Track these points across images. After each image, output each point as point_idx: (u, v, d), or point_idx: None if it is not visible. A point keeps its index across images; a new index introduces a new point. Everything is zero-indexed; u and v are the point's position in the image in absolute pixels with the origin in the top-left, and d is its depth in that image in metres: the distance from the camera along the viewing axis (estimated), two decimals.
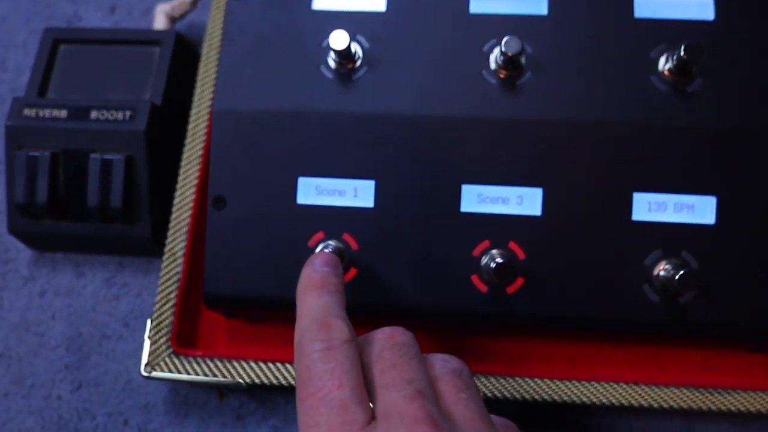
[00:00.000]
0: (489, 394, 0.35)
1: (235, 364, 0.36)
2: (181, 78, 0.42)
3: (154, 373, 0.36)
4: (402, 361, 0.26)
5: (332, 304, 0.27)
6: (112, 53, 0.42)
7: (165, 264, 0.38)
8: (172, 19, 0.45)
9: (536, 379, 0.35)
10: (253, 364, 0.36)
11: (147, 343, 0.36)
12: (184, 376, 0.35)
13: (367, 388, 0.25)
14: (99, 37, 0.42)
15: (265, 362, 0.36)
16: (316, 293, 0.28)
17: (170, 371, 0.35)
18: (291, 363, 0.35)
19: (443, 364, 0.27)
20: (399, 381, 0.25)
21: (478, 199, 0.34)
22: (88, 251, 0.42)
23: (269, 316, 0.37)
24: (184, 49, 0.43)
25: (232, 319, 0.38)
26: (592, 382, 0.35)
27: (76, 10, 0.49)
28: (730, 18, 0.35)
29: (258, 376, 0.35)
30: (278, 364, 0.36)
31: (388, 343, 0.27)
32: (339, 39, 0.34)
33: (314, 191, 0.34)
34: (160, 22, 0.44)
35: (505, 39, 0.33)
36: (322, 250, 0.33)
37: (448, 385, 0.26)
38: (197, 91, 0.41)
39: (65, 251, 0.43)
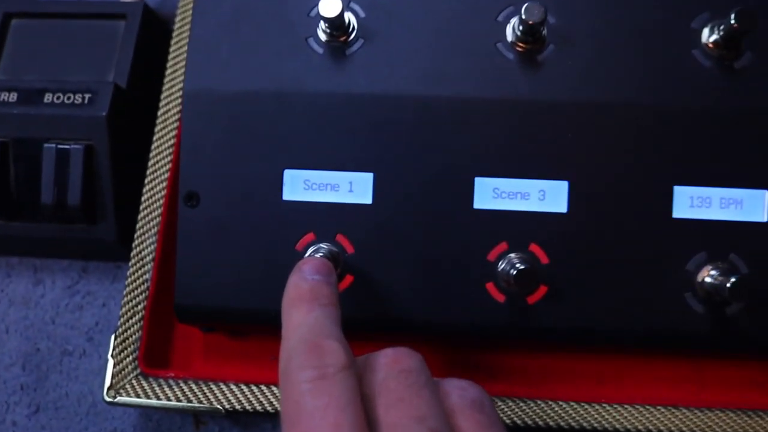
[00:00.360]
0: (507, 420, 0.30)
1: (213, 386, 0.31)
2: (149, 56, 0.38)
3: (118, 398, 0.31)
4: (411, 393, 0.21)
5: (325, 321, 0.23)
6: (70, 28, 0.37)
7: (131, 271, 0.33)
8: None
9: (560, 402, 0.31)
10: (233, 387, 0.31)
11: (110, 363, 0.31)
12: (153, 402, 0.31)
13: (368, 426, 0.21)
14: (56, 11, 0.38)
15: (248, 384, 0.31)
16: (305, 307, 0.24)
17: (137, 396, 0.31)
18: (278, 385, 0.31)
19: (461, 393, 0.23)
20: (408, 419, 0.21)
21: (494, 194, 0.30)
22: (46, 255, 0.37)
23: (252, 330, 0.33)
24: (153, 24, 0.39)
25: (210, 334, 0.33)
26: (624, 405, 0.31)
27: None
28: None
29: (240, 401, 0.31)
30: (263, 387, 0.31)
31: (393, 369, 0.22)
32: (331, 6, 0.29)
33: (303, 186, 0.30)
34: None
35: (526, 5, 0.28)
36: (312, 255, 0.29)
37: (468, 422, 0.22)
38: (168, 71, 0.36)
39: (20, 255, 0.38)
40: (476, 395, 0.23)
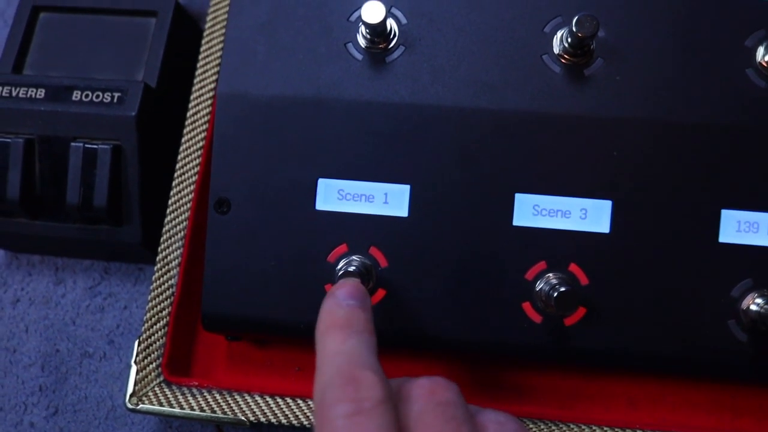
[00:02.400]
0: None
1: (237, 397, 0.30)
2: (180, 55, 0.37)
3: (141, 406, 0.30)
4: (449, 429, 0.20)
5: (361, 349, 0.22)
6: (100, 24, 0.36)
7: (157, 275, 0.32)
8: None
9: (593, 427, 0.30)
10: (258, 399, 0.30)
11: (133, 369, 0.31)
12: (176, 410, 0.30)
13: None
14: (85, 5, 0.37)
15: (273, 396, 0.30)
16: (339, 335, 0.23)
17: (160, 404, 0.30)
18: (307, 397, 0.30)
19: (498, 429, 0.22)
20: None
21: (534, 211, 0.29)
22: (68, 255, 0.37)
23: (279, 341, 0.32)
24: (184, 22, 0.38)
25: (234, 342, 0.32)
26: (658, 431, 0.30)
27: None
28: None
29: (264, 413, 0.30)
30: (289, 399, 0.30)
31: (431, 401, 0.22)
32: (374, 11, 0.28)
33: (337, 196, 0.29)
34: None
35: (577, 17, 0.27)
36: (344, 267, 0.28)
37: None
38: (198, 71, 0.35)
39: (42, 254, 0.37)
40: (515, 429, 0.22)
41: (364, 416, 0.20)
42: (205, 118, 0.34)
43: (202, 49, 0.36)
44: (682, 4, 0.29)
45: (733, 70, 0.29)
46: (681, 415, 0.31)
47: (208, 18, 0.36)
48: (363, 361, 0.22)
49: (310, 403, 0.30)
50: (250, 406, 0.30)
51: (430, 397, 0.22)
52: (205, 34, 0.36)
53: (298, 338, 0.30)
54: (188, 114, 0.35)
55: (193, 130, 0.34)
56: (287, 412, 0.30)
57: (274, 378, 0.32)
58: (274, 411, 0.30)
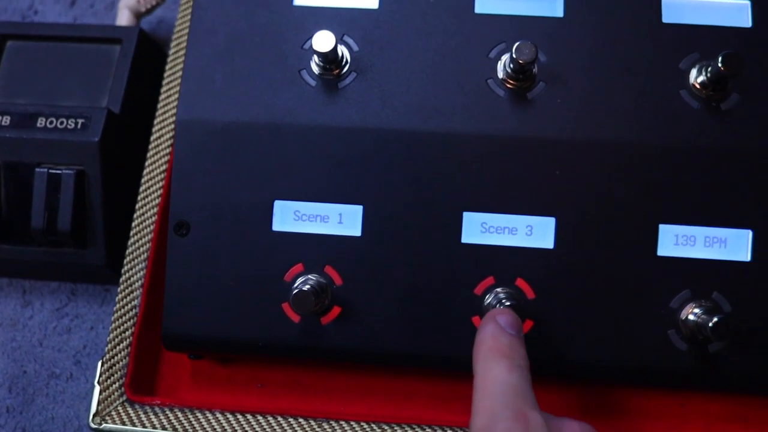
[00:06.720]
0: None
1: (198, 414, 0.31)
2: (144, 82, 0.38)
3: (104, 425, 0.31)
4: None
5: (526, 387, 0.24)
6: (65, 52, 0.37)
7: (120, 296, 0.33)
8: (138, 15, 0.40)
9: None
10: (219, 416, 0.31)
11: (96, 390, 0.31)
12: (138, 429, 0.31)
13: None
14: (51, 33, 0.38)
15: (234, 413, 0.31)
16: (505, 364, 0.24)
17: (122, 423, 0.31)
18: (271, 414, 0.31)
19: None
20: None
21: (482, 228, 0.30)
22: (35, 277, 0.37)
23: (240, 359, 0.33)
24: (149, 49, 0.39)
25: (198, 360, 0.33)
26: None
27: (32, 3, 0.44)
28: None
29: (225, 430, 0.31)
30: (249, 416, 0.31)
31: None
32: (324, 41, 0.29)
33: (293, 217, 0.30)
34: (123, 18, 0.40)
35: (517, 44, 0.28)
36: (300, 286, 0.29)
37: None
38: (162, 96, 0.36)
39: (9, 276, 0.38)
40: None
41: None
42: (168, 143, 0.35)
43: (165, 75, 0.37)
44: (619, 28, 0.31)
45: (668, 92, 0.30)
46: (630, 422, 0.32)
47: (172, 44, 0.37)
48: (530, 402, 0.23)
49: (270, 419, 0.31)
50: (211, 423, 0.31)
51: None
52: (168, 60, 0.37)
53: (256, 356, 0.31)
54: (152, 138, 0.36)
55: (156, 154, 0.35)
56: (247, 429, 0.31)
57: (237, 395, 0.33)
58: (234, 428, 0.31)
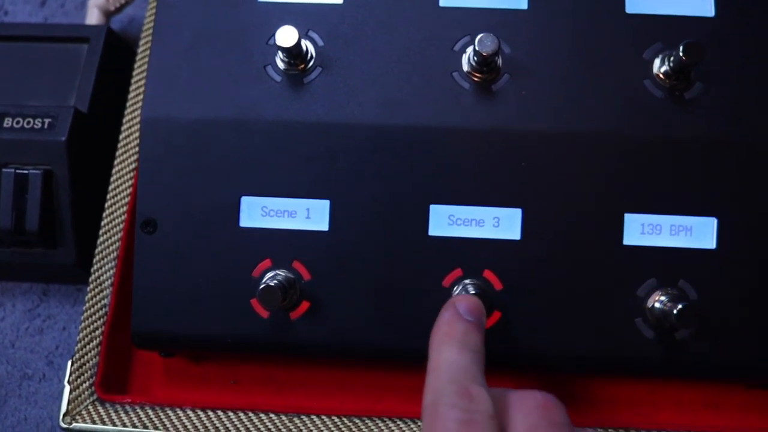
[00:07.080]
0: None
1: (170, 412, 0.31)
2: (112, 81, 0.38)
3: (74, 424, 0.31)
4: None
5: (475, 367, 0.24)
6: (32, 51, 0.37)
7: (90, 296, 0.33)
8: (108, 13, 0.40)
9: None
10: (190, 413, 0.31)
11: (67, 389, 0.31)
12: (109, 428, 0.31)
13: None
14: (18, 33, 0.38)
15: (205, 410, 0.31)
16: (456, 347, 0.25)
17: (93, 422, 0.31)
18: (243, 410, 0.31)
19: None
20: None
21: (449, 221, 0.30)
22: (5, 278, 0.37)
23: (210, 355, 0.33)
24: (117, 48, 0.38)
25: (170, 358, 0.33)
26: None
27: (2, 3, 0.44)
28: (732, 15, 0.31)
29: (196, 428, 0.31)
30: (220, 412, 0.31)
31: (544, 418, 0.23)
32: (287, 36, 0.29)
33: (260, 213, 0.30)
34: (93, 17, 0.39)
35: (479, 36, 0.29)
36: (268, 281, 0.29)
37: None
38: (131, 95, 0.36)
39: None
40: None
41: (475, 426, 0.22)
42: (137, 141, 0.35)
43: (134, 74, 0.36)
44: (583, 19, 0.31)
45: (631, 82, 0.30)
46: (601, 412, 0.32)
47: (141, 43, 0.37)
48: (477, 379, 0.24)
49: (241, 415, 0.31)
50: (182, 420, 0.31)
51: (544, 412, 0.23)
52: (137, 58, 0.37)
53: (227, 352, 0.31)
54: (120, 137, 0.35)
55: (125, 152, 0.35)
56: (219, 426, 0.31)
57: (210, 392, 0.33)
58: (206, 425, 0.31)
